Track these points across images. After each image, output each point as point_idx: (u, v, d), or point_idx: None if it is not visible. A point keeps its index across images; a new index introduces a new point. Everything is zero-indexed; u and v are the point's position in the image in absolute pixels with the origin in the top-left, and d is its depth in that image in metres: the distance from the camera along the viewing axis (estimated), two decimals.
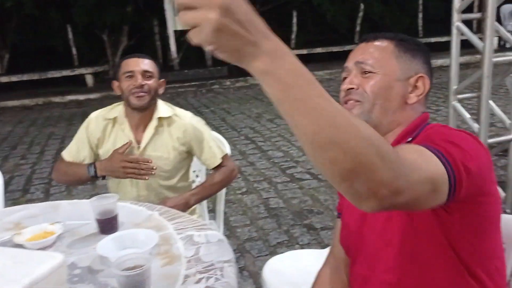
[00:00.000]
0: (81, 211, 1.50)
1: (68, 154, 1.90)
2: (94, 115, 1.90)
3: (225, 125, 5.90)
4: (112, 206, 1.38)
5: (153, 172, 1.71)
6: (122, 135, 1.83)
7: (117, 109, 1.87)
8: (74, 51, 10.75)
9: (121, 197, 1.83)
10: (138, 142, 1.83)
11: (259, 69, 0.59)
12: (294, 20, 11.49)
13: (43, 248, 1.29)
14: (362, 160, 0.61)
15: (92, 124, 1.87)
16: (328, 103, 0.60)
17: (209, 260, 1.16)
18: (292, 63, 0.60)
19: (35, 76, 10.11)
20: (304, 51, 11.50)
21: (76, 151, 1.89)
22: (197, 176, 2.22)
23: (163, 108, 1.86)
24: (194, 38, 0.56)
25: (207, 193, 1.89)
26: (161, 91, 1.85)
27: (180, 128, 1.84)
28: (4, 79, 10.49)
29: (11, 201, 3.70)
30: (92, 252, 1.22)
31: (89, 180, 1.86)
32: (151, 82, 1.77)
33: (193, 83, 9.09)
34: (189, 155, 1.92)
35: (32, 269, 0.81)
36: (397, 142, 1.00)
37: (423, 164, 0.73)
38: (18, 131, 6.37)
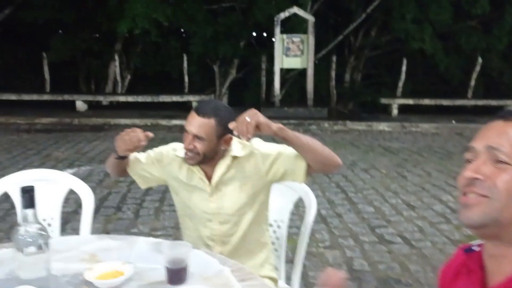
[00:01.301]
0: (155, 253, 1.48)
1: (141, 156, 1.89)
2: (174, 147, 1.87)
3: None
4: (184, 256, 1.33)
5: (149, 136, 1.72)
6: (191, 172, 1.80)
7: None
8: (186, 78, 11.49)
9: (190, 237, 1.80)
10: (209, 179, 1.79)
11: None
12: (403, 67, 11.14)
13: None
14: None
15: (170, 154, 1.86)
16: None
17: None
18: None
19: (148, 99, 10.96)
20: (410, 101, 11.05)
21: (150, 162, 1.88)
22: (279, 227, 2.11)
23: (237, 147, 1.79)
24: None
25: (300, 140, 1.66)
26: (224, 147, 1.74)
27: (254, 162, 1.75)
28: (122, 98, 11.55)
29: (104, 217, 3.91)
30: None
31: (119, 163, 1.85)
32: (200, 145, 1.68)
33: (292, 121, 9.12)
34: (265, 192, 1.81)
35: None
36: None
37: None
38: None
